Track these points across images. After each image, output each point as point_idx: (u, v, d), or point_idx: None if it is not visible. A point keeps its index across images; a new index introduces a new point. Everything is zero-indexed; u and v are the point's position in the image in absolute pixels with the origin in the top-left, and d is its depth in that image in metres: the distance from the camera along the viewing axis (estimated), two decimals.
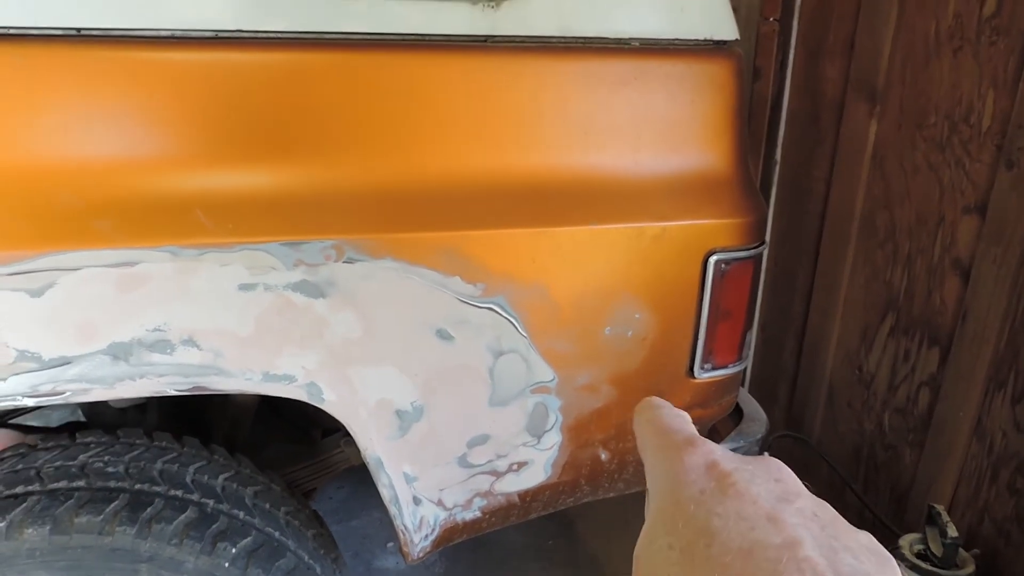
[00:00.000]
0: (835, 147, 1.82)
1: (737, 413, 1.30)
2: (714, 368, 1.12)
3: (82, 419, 1.36)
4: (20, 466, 1.01)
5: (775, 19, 1.97)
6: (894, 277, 1.67)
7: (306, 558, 1.08)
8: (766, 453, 0.35)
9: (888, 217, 1.67)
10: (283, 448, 1.58)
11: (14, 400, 0.85)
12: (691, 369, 1.11)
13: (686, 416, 0.39)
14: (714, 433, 1.25)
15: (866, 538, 0.31)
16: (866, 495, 1.82)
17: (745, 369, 1.91)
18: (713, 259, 1.04)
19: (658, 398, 0.42)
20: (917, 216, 1.59)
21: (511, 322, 0.99)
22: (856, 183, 1.75)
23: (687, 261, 1.04)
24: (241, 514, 1.04)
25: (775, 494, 0.31)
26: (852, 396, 1.85)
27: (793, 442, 2.01)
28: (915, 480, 1.66)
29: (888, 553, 0.31)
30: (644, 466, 0.38)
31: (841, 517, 0.32)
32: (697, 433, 0.37)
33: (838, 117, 1.80)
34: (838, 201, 1.83)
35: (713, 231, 1.04)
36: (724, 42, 1.03)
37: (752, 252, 1.07)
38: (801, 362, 2.04)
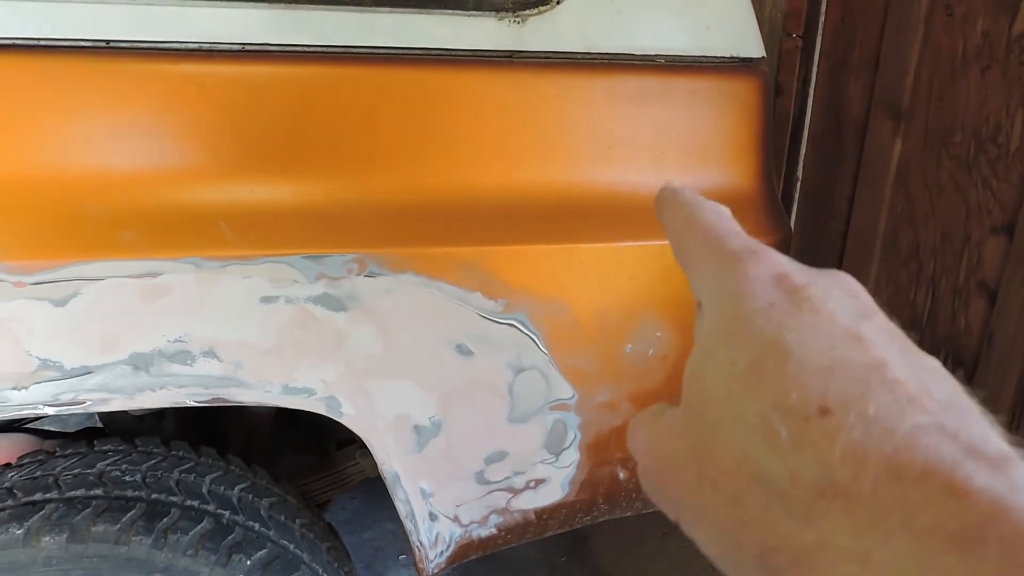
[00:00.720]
0: (858, 165, 1.81)
1: None
2: None
3: (98, 424, 1.37)
4: (38, 473, 1.01)
5: (798, 35, 1.96)
6: (918, 297, 1.65)
7: (320, 571, 1.08)
8: (839, 271, 0.32)
9: (912, 236, 1.65)
10: (297, 459, 1.58)
11: (35, 409, 0.85)
12: None
13: (729, 213, 0.34)
14: None
15: (935, 363, 0.28)
16: None
17: None
18: None
19: (683, 185, 0.36)
20: (942, 236, 1.57)
21: (532, 338, 0.99)
22: (879, 201, 1.73)
23: None
24: (256, 526, 1.04)
25: (854, 310, 0.28)
26: None
27: None
28: None
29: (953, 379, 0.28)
30: (687, 274, 0.33)
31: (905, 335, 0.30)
32: (755, 240, 0.32)
33: (861, 135, 1.78)
34: (861, 219, 1.81)
35: None
36: (750, 59, 1.03)
37: None
38: None
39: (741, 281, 0.29)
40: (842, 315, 0.27)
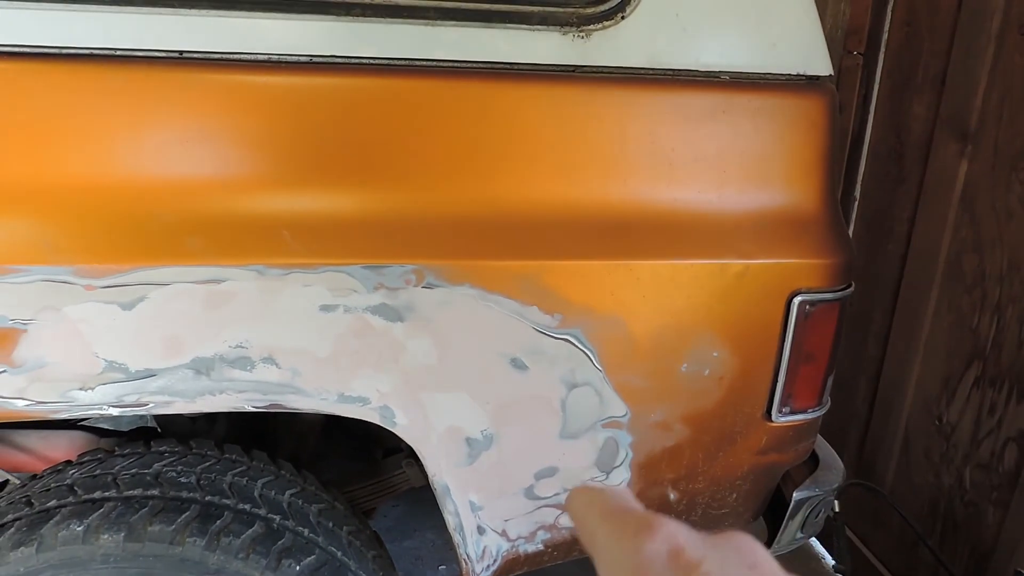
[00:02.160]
0: (920, 186, 1.76)
1: (812, 460, 1.25)
2: (792, 412, 1.08)
3: (150, 424, 1.39)
4: (98, 471, 1.04)
5: (860, 53, 1.92)
6: (981, 325, 1.59)
7: None
8: (736, 533, 0.32)
9: (977, 262, 1.60)
10: (344, 466, 1.59)
11: (100, 409, 0.87)
12: (768, 412, 1.07)
13: (630, 494, 0.35)
14: (788, 480, 1.21)
15: None
16: (942, 552, 1.73)
17: None
18: (797, 300, 1.01)
19: (592, 484, 0.37)
20: (1010, 262, 1.52)
21: (587, 354, 0.98)
22: (942, 224, 1.68)
23: (770, 301, 1.01)
24: (306, 531, 1.05)
25: None
26: (930, 447, 1.77)
27: (864, 491, 1.93)
28: (998, 542, 1.57)
29: None
30: (592, 558, 0.33)
31: None
32: (651, 512, 0.32)
33: (924, 155, 1.74)
34: (922, 242, 1.76)
35: (798, 271, 1.01)
36: (817, 77, 1.01)
37: (838, 294, 1.03)
38: (875, 408, 1.97)
39: (638, 561, 0.29)
40: None
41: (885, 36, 1.87)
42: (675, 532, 0.29)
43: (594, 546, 0.33)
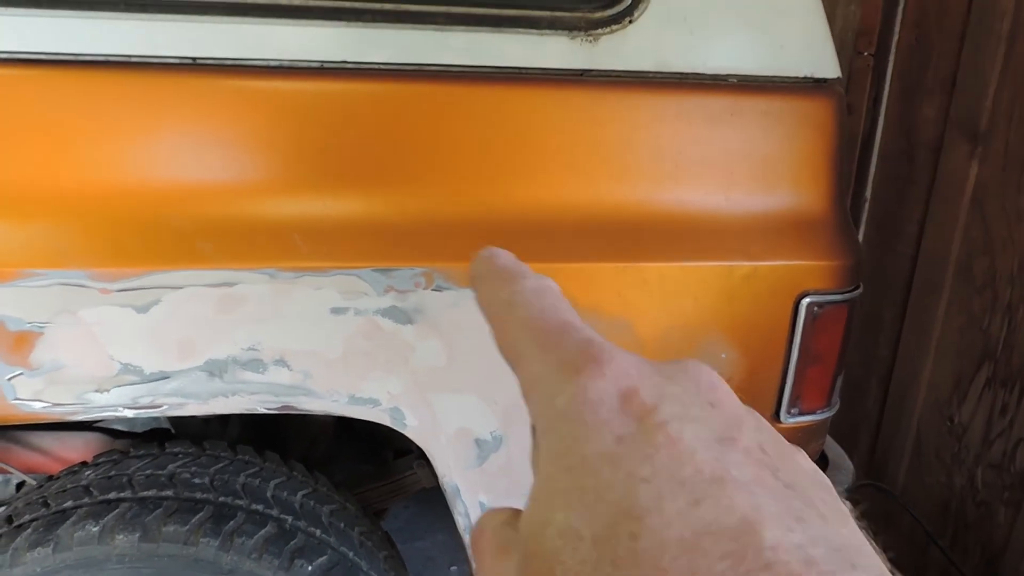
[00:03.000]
0: (930, 188, 1.75)
1: (822, 460, 1.25)
2: (801, 413, 1.08)
3: (163, 425, 1.40)
4: (113, 472, 1.05)
5: (869, 54, 1.92)
6: (992, 326, 1.59)
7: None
8: (690, 361, 0.26)
9: (988, 263, 1.59)
10: (354, 467, 1.60)
11: (115, 411, 0.88)
12: (777, 413, 1.08)
13: (558, 290, 0.28)
14: None
15: (806, 463, 0.24)
16: (953, 553, 1.72)
17: None
18: (805, 302, 1.01)
19: (508, 254, 0.29)
20: (1020, 263, 1.51)
21: None
22: (953, 226, 1.68)
23: (778, 302, 1.01)
24: (318, 532, 1.06)
25: (715, 431, 0.23)
26: (941, 447, 1.77)
27: (875, 492, 1.92)
28: (1010, 542, 1.56)
29: (826, 477, 0.25)
30: (516, 378, 0.27)
31: (775, 433, 0.25)
32: (595, 333, 0.26)
33: (935, 157, 1.73)
34: (932, 244, 1.76)
35: (806, 273, 1.01)
36: (825, 80, 1.01)
37: (847, 296, 1.03)
38: (886, 408, 1.96)
39: (580, 405, 0.23)
40: (703, 447, 0.22)
41: (895, 37, 1.87)
42: (627, 368, 0.24)
43: (517, 366, 0.27)
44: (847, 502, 0.25)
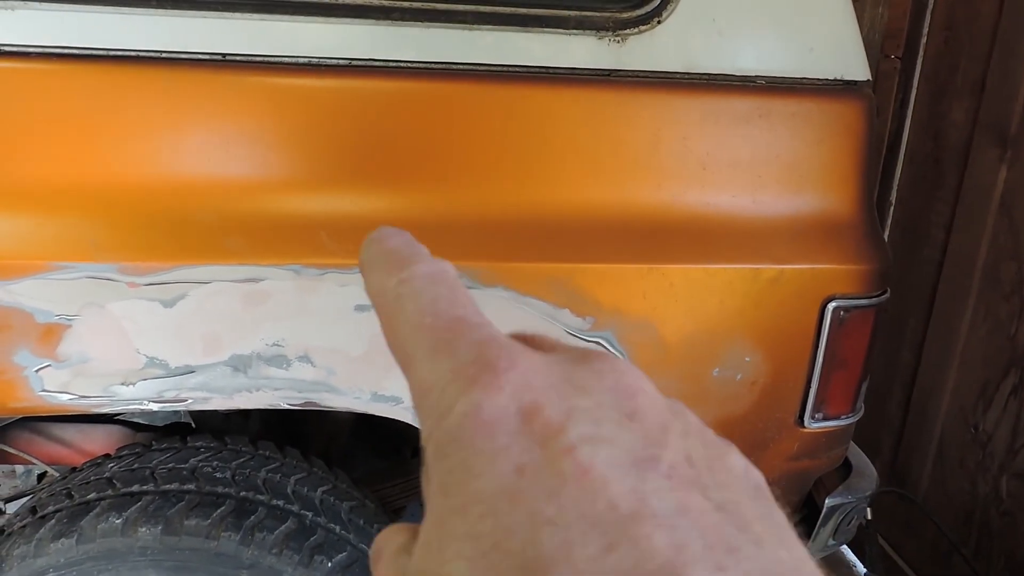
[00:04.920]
0: (958, 192, 1.73)
1: (845, 466, 1.24)
2: (825, 418, 1.07)
3: (183, 420, 1.41)
4: (136, 465, 1.06)
5: (897, 57, 1.90)
6: (1019, 333, 1.57)
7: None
8: (602, 358, 0.23)
9: (1015, 269, 1.57)
10: (373, 464, 1.60)
11: (141, 404, 0.89)
12: (801, 418, 1.07)
13: (454, 273, 0.24)
14: (820, 486, 1.20)
15: (737, 462, 0.22)
16: (976, 562, 1.70)
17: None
18: (831, 306, 1.00)
19: (400, 233, 0.25)
20: None
21: (618, 357, 0.98)
22: (980, 231, 1.66)
23: (804, 306, 1.00)
24: (337, 528, 1.06)
25: (633, 452, 0.20)
26: (965, 455, 1.75)
27: (897, 499, 1.90)
28: None
29: (759, 476, 0.22)
30: (407, 383, 0.23)
31: (704, 431, 0.22)
32: (494, 330, 0.23)
33: (963, 161, 1.71)
34: (959, 249, 1.74)
35: (833, 277, 1.00)
36: (854, 82, 1.00)
37: (874, 301, 1.02)
38: (909, 415, 1.94)
39: (474, 428, 0.20)
40: (619, 476, 0.19)
41: (923, 41, 1.85)
42: (528, 378, 0.21)
43: (410, 379, 0.23)
44: (782, 507, 0.22)
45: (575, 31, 0.92)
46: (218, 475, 1.04)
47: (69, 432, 1.27)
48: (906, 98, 1.88)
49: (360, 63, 0.89)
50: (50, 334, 0.86)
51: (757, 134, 0.98)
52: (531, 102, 0.92)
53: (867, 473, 1.24)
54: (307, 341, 0.90)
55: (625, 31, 0.93)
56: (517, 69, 0.92)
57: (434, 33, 0.90)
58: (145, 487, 1.01)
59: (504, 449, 0.19)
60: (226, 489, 1.03)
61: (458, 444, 0.20)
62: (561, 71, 0.93)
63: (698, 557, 0.18)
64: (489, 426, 0.20)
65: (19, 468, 1.43)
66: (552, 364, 0.22)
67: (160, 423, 1.37)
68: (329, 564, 1.01)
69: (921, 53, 1.85)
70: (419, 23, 0.89)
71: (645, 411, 0.21)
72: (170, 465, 1.05)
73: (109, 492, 1.00)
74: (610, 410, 0.21)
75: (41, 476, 1.43)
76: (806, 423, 1.06)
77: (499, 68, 0.92)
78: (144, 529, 0.95)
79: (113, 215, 0.85)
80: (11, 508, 1.31)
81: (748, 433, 1.05)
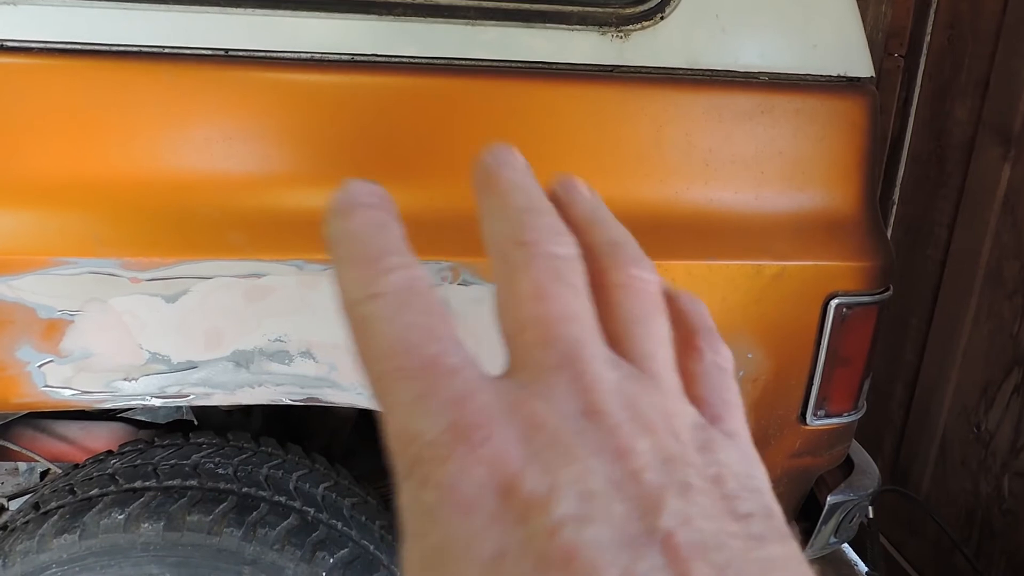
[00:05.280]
0: (961, 191, 1.73)
1: (847, 464, 1.23)
2: (828, 416, 1.07)
3: (185, 417, 1.42)
4: (138, 461, 1.06)
5: (900, 55, 1.90)
6: (1022, 332, 1.56)
7: (398, 574, 1.09)
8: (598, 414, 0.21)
9: (1018, 268, 1.57)
10: (375, 461, 1.60)
11: (143, 400, 0.89)
12: (803, 415, 1.06)
13: (426, 284, 0.21)
14: (822, 484, 1.20)
15: (755, 504, 0.19)
16: (978, 561, 1.70)
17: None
18: (834, 303, 1.00)
19: (368, 216, 0.22)
20: None
21: None
22: (983, 230, 1.66)
23: (806, 303, 1.00)
24: (339, 524, 1.06)
25: (625, 528, 0.17)
26: (967, 454, 1.74)
27: (899, 497, 1.90)
28: None
29: (776, 507, 0.20)
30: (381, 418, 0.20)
31: (708, 470, 0.19)
32: (471, 372, 0.21)
33: (966, 159, 1.71)
34: (962, 247, 1.73)
35: (835, 274, 1.00)
36: (858, 79, 1.00)
37: (876, 298, 1.02)
38: (911, 413, 1.94)
39: (450, 508, 0.18)
40: (609, 560, 0.17)
41: (927, 39, 1.84)
42: (505, 450, 0.18)
43: (385, 421, 0.21)
44: (794, 530, 0.20)
45: (578, 27, 0.92)
46: (220, 471, 1.04)
47: (72, 429, 1.28)
48: (909, 96, 1.88)
49: (363, 59, 0.89)
50: (53, 330, 0.86)
51: (760, 130, 0.98)
52: (534, 98, 0.92)
53: (869, 471, 1.24)
54: (309, 337, 0.90)
55: (628, 27, 0.93)
56: (520, 65, 0.92)
57: (437, 28, 0.90)
58: (147, 483, 1.01)
59: (480, 532, 0.18)
60: (228, 485, 1.03)
61: (435, 523, 0.18)
62: (564, 67, 0.93)
63: None
64: (465, 507, 0.18)
65: (22, 465, 1.43)
66: (537, 426, 0.20)
67: (162, 420, 1.37)
68: (331, 560, 1.01)
69: (925, 51, 1.84)
70: (421, 18, 0.89)
71: (640, 472, 0.19)
72: (172, 461, 1.05)
73: (112, 488, 1.00)
74: (600, 476, 0.19)
75: (44, 474, 1.43)
76: (808, 420, 1.06)
77: (502, 64, 0.92)
78: (146, 525, 0.95)
79: (116, 210, 0.85)
80: (14, 505, 1.31)
81: (750, 430, 1.05)
